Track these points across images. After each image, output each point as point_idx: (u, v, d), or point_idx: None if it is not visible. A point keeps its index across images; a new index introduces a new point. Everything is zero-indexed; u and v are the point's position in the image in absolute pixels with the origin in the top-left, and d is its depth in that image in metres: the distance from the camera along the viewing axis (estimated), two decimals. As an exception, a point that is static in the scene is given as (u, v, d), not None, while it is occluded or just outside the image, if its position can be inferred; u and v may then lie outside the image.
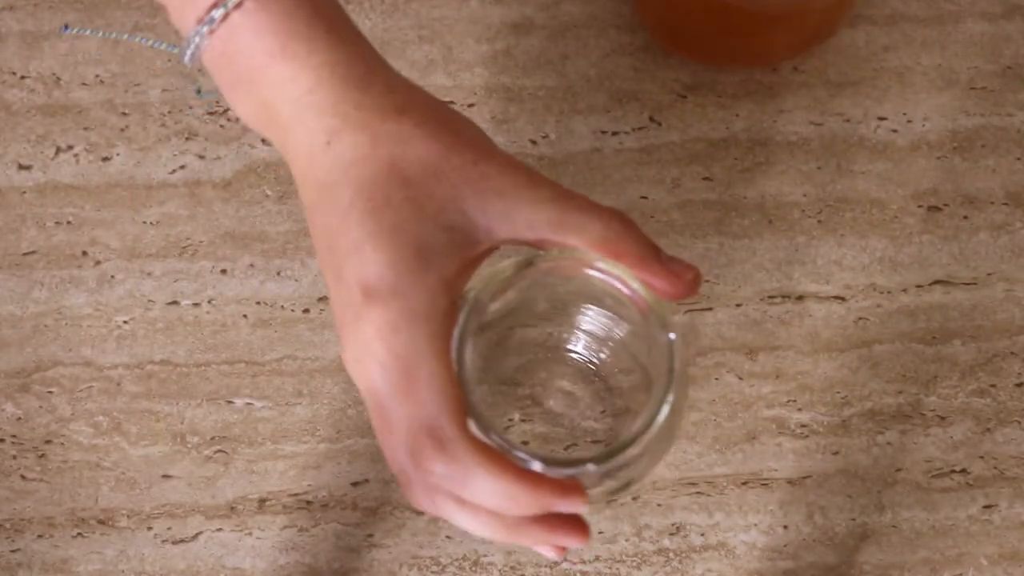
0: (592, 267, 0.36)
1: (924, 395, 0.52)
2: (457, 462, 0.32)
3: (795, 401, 0.52)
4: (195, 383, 0.51)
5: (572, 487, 0.33)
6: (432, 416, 0.32)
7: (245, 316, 0.52)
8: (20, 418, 0.51)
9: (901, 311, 0.53)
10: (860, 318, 0.53)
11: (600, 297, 0.41)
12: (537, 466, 0.34)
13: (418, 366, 0.32)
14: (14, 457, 0.50)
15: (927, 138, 0.55)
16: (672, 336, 0.35)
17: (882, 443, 0.51)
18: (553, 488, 0.33)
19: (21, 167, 0.53)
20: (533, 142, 0.54)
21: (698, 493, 0.51)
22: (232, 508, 0.50)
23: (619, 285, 0.36)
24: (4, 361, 0.51)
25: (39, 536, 0.50)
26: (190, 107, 0.53)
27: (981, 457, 0.51)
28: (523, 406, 0.50)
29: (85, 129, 0.53)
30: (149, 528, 0.50)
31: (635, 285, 0.36)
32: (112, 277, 0.52)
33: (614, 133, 0.54)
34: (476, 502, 0.33)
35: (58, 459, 0.50)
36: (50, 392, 0.51)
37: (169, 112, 0.53)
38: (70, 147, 0.53)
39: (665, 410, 0.35)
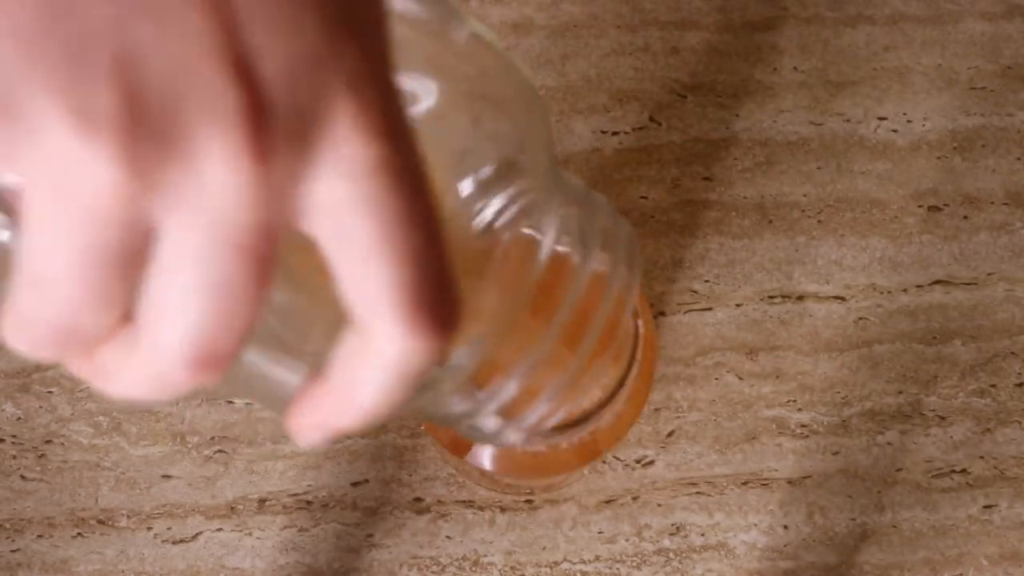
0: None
1: (924, 395, 0.52)
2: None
3: (795, 401, 0.52)
4: (195, 383, 0.51)
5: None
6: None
7: (245, 316, 0.52)
8: (20, 418, 0.51)
9: (901, 311, 0.53)
10: (860, 318, 0.53)
11: None
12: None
13: None
14: (14, 457, 0.50)
15: (927, 138, 0.55)
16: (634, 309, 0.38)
17: (882, 443, 0.51)
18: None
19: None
20: (533, 142, 0.54)
21: (698, 493, 0.51)
22: (232, 508, 0.50)
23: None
24: (4, 361, 0.51)
25: (39, 536, 0.50)
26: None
27: (981, 457, 0.51)
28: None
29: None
30: (149, 528, 0.50)
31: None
32: (112, 277, 0.52)
33: (614, 133, 0.54)
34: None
35: (58, 459, 0.50)
36: (50, 392, 0.51)
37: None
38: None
39: (627, 384, 0.37)
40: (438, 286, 0.21)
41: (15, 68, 0.17)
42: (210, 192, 0.19)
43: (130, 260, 0.19)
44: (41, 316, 0.20)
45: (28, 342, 0.20)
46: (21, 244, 0.19)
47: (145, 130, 0.18)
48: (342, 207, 0.20)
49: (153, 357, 0.20)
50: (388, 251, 0.20)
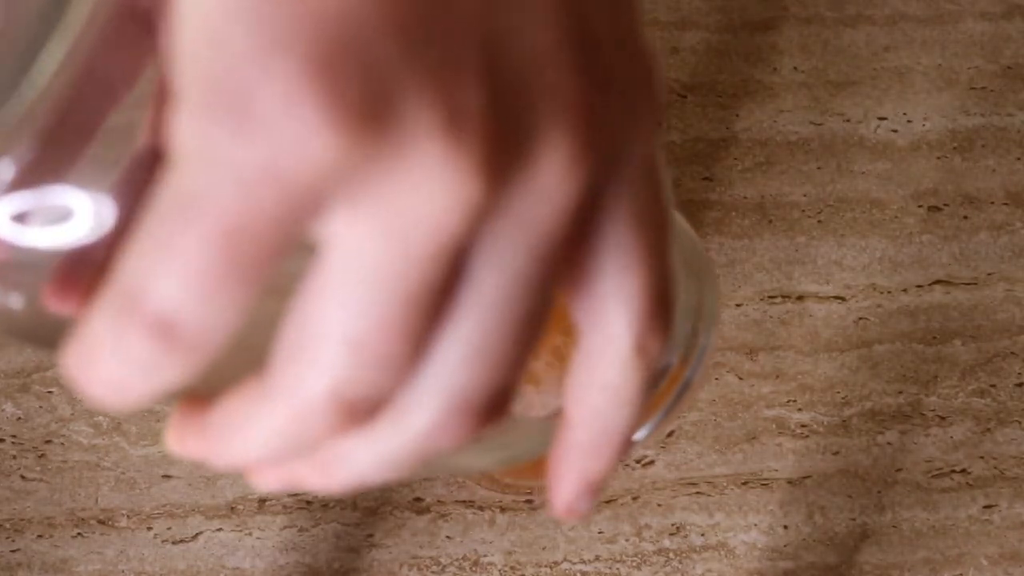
0: None
1: (924, 395, 0.52)
2: None
3: (795, 401, 0.52)
4: (195, 383, 0.51)
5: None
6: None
7: (245, 316, 0.52)
8: (20, 418, 0.51)
9: (901, 311, 0.53)
10: (860, 318, 0.53)
11: None
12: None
13: None
14: (14, 457, 0.50)
15: (927, 138, 0.55)
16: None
17: (882, 443, 0.51)
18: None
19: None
20: (533, 142, 0.54)
21: (698, 493, 0.51)
22: (232, 508, 0.50)
23: None
24: (4, 361, 0.51)
25: (39, 536, 0.50)
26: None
27: (981, 457, 0.51)
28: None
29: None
30: (149, 528, 0.50)
31: None
32: (112, 277, 0.52)
33: (614, 133, 0.54)
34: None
35: (58, 459, 0.50)
36: (50, 392, 0.51)
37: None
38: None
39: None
40: (670, 286, 0.19)
41: (393, 66, 0.14)
42: (542, 203, 0.15)
43: (439, 301, 0.15)
44: (326, 391, 0.15)
45: (305, 427, 0.16)
46: (303, 310, 0.15)
47: (503, 134, 0.15)
48: (614, 211, 0.17)
49: (432, 416, 0.16)
50: (648, 256, 0.18)
